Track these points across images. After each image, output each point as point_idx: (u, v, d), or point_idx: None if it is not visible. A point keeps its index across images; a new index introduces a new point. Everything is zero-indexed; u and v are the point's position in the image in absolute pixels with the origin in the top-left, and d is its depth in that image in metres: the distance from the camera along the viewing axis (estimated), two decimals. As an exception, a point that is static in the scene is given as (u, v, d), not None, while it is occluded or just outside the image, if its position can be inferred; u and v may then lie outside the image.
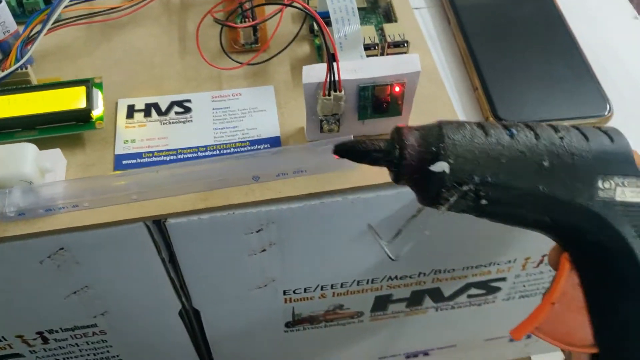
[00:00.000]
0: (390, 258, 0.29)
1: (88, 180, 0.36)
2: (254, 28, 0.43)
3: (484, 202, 0.26)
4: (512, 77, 0.43)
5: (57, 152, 0.38)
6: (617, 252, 0.27)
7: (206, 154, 0.39)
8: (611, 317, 0.27)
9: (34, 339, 0.48)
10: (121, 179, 0.36)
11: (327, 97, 0.35)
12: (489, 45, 0.45)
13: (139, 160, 0.39)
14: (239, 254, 0.41)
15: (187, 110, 0.41)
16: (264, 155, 0.38)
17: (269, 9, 0.43)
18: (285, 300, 0.49)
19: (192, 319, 0.50)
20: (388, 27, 0.43)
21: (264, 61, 0.43)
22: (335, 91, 0.35)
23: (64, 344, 0.49)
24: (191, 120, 0.41)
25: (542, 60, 0.44)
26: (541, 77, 0.43)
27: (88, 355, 0.52)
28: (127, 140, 0.40)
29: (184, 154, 0.39)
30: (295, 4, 0.37)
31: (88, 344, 0.50)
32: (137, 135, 0.40)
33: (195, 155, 0.39)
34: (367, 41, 0.42)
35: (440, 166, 0.26)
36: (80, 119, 0.39)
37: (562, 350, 0.30)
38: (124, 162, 0.39)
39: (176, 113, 0.41)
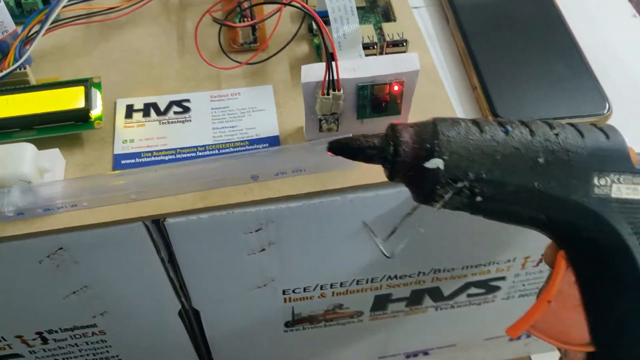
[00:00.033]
0: (385, 255, 0.29)
1: (87, 179, 0.36)
2: (253, 27, 0.43)
3: (478, 199, 0.26)
4: (511, 76, 0.43)
5: (55, 152, 0.38)
6: (613, 249, 0.26)
7: (205, 153, 0.39)
8: (607, 315, 0.27)
9: (34, 339, 0.48)
10: (120, 178, 0.36)
11: (326, 96, 0.35)
12: (487, 44, 0.45)
13: (137, 160, 0.39)
14: (238, 253, 0.41)
15: (186, 110, 0.41)
16: (262, 154, 0.38)
17: (268, 9, 0.43)
18: (285, 300, 0.49)
19: (191, 319, 0.50)
20: (387, 27, 0.43)
21: (262, 61, 0.43)
22: (334, 90, 0.35)
23: (64, 344, 0.49)
24: (190, 120, 0.41)
25: (541, 59, 0.44)
26: (540, 76, 0.43)
27: (87, 355, 0.52)
28: (125, 140, 0.40)
29: (183, 153, 0.39)
30: (294, 3, 0.37)
31: (87, 344, 0.50)
32: (135, 135, 0.40)
33: (194, 154, 0.39)
34: (366, 40, 0.42)
35: (435, 163, 0.26)
36: (79, 118, 0.39)
37: (558, 349, 0.30)
38: (123, 161, 0.39)
39: (175, 113, 0.41)
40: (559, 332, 0.28)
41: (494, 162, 0.26)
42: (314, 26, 0.43)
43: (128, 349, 0.53)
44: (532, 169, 0.26)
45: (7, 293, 0.42)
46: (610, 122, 0.41)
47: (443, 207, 0.26)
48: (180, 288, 0.45)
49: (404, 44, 0.43)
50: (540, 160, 0.26)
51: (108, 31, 0.45)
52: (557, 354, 0.31)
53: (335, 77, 0.35)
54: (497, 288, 0.54)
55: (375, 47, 0.42)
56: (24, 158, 0.35)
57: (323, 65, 0.35)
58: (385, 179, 0.28)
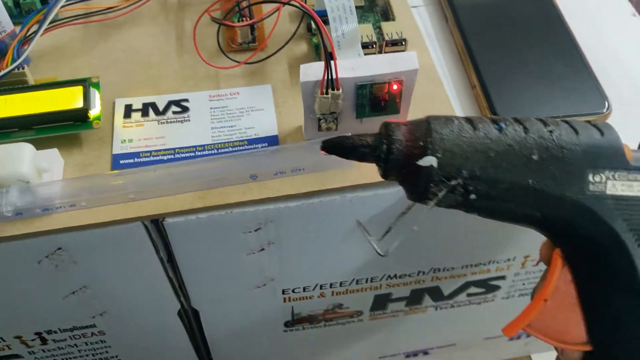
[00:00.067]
0: (378, 254, 0.29)
1: (85, 179, 0.36)
2: (252, 27, 0.43)
3: (472, 196, 0.26)
4: (510, 75, 0.43)
5: (54, 152, 0.38)
6: (609, 246, 0.26)
7: (204, 153, 0.39)
8: (604, 313, 0.27)
9: (33, 340, 0.48)
10: (118, 178, 0.36)
11: (324, 95, 0.35)
12: (487, 43, 0.44)
13: (136, 159, 0.39)
14: (237, 253, 0.41)
15: (185, 109, 0.41)
16: (261, 154, 0.37)
17: (267, 8, 0.43)
18: (284, 300, 0.49)
19: (191, 319, 0.50)
20: (386, 26, 0.43)
21: (261, 60, 0.43)
22: (333, 89, 0.35)
23: (63, 345, 0.49)
24: (189, 120, 0.41)
25: (540, 57, 0.44)
26: (539, 74, 0.43)
27: (87, 355, 0.52)
28: (124, 140, 0.40)
29: (182, 153, 0.39)
30: (292, 2, 0.37)
31: (87, 344, 0.50)
32: (134, 134, 0.40)
33: (192, 154, 0.39)
34: (365, 40, 0.42)
35: (428, 160, 0.26)
36: (78, 118, 0.39)
37: (555, 348, 0.29)
38: (122, 161, 0.38)
39: (174, 112, 0.41)
40: (555, 331, 0.28)
41: (487, 159, 0.26)
42: (313, 25, 0.43)
43: (127, 349, 0.52)
44: (526, 166, 0.26)
45: (6, 293, 0.42)
46: (609, 120, 0.41)
47: (437, 205, 0.26)
48: (179, 288, 0.45)
49: (403, 43, 0.43)
50: (534, 157, 0.26)
51: (106, 31, 0.45)
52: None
53: (334, 76, 0.35)
54: (497, 287, 0.54)
55: (374, 46, 0.42)
56: (22, 158, 0.35)
57: (322, 64, 0.34)
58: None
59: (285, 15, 0.46)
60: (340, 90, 0.35)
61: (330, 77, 0.35)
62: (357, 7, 0.37)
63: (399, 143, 0.26)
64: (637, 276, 0.26)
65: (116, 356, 0.53)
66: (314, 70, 0.35)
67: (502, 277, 0.53)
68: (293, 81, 0.42)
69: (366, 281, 0.48)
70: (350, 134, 0.28)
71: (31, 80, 0.41)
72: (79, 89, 0.39)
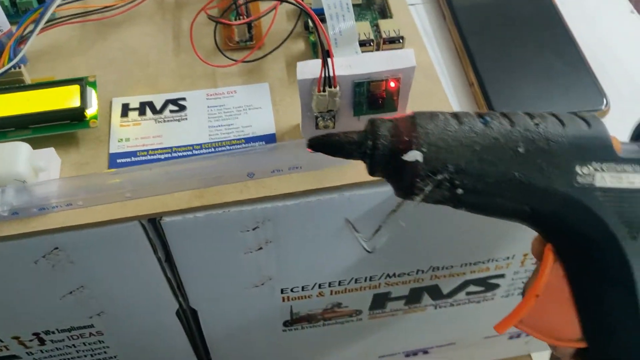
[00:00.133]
0: (366, 250, 0.29)
1: (82, 178, 0.36)
2: (249, 25, 0.43)
3: (459, 191, 0.26)
4: (508, 73, 0.43)
5: (50, 151, 0.37)
6: (600, 239, 0.26)
7: (201, 152, 0.39)
8: (597, 309, 0.27)
9: (31, 340, 0.47)
10: (115, 176, 0.36)
11: (322, 93, 0.35)
12: (484, 40, 0.44)
13: (133, 158, 0.39)
14: (235, 252, 0.41)
15: (182, 108, 0.41)
16: (258, 152, 0.37)
17: (264, 6, 0.43)
18: (283, 299, 0.48)
19: (189, 318, 0.50)
20: (383, 23, 0.43)
21: (258, 58, 0.43)
22: (330, 87, 0.35)
23: (61, 345, 0.49)
24: (186, 119, 0.41)
25: (538, 55, 0.44)
26: (538, 72, 0.43)
27: (85, 356, 0.52)
28: (121, 139, 0.39)
29: (179, 152, 0.39)
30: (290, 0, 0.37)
31: (85, 344, 0.50)
32: (131, 133, 0.40)
33: (190, 153, 0.39)
34: (362, 37, 0.41)
35: (413, 155, 0.25)
36: (74, 117, 0.38)
37: (548, 345, 0.29)
38: (119, 160, 0.38)
39: (171, 111, 0.41)
40: (549, 328, 0.28)
41: (473, 152, 0.26)
42: (310, 23, 0.43)
43: (126, 350, 0.52)
44: (512, 159, 0.26)
45: (3, 294, 0.41)
46: (607, 117, 0.41)
47: (424, 201, 0.26)
48: (177, 287, 0.45)
49: (401, 40, 0.42)
50: (521, 149, 0.26)
51: (104, 30, 0.45)
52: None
53: (331, 74, 0.35)
54: (496, 286, 0.54)
55: (372, 44, 0.42)
56: (18, 157, 0.35)
57: (319, 62, 0.34)
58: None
59: (282, 14, 0.45)
60: (338, 88, 0.35)
61: (327, 74, 0.35)
62: (354, 5, 0.37)
63: (384, 139, 0.26)
64: (630, 269, 0.26)
65: (115, 356, 0.53)
66: (311, 68, 0.35)
67: (502, 276, 0.53)
68: (290, 79, 0.42)
69: (365, 280, 0.48)
70: (336, 132, 0.28)
71: (28, 80, 0.41)
72: (75, 88, 0.39)
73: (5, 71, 0.39)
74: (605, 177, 0.26)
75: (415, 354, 0.66)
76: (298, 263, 0.44)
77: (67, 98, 0.39)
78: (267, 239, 0.40)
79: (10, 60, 0.39)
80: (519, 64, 0.43)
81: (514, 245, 0.49)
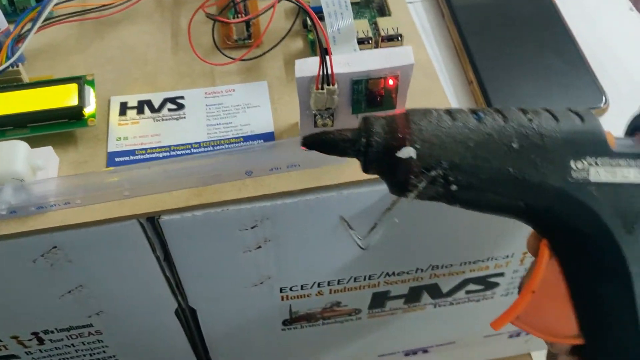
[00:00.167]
0: (360, 247, 0.29)
1: (80, 177, 0.36)
2: (247, 23, 0.43)
3: (454, 187, 0.26)
4: (507, 71, 0.42)
5: (48, 149, 0.37)
6: (595, 234, 0.26)
7: (199, 150, 0.39)
8: (594, 305, 0.27)
9: (30, 340, 0.47)
10: (113, 175, 0.36)
11: (320, 90, 0.35)
12: (483, 38, 0.44)
13: (131, 157, 0.38)
14: (233, 251, 0.41)
15: (180, 106, 0.41)
16: (256, 149, 0.37)
17: (262, 4, 0.43)
18: (282, 298, 0.48)
19: (188, 318, 0.49)
20: (382, 21, 0.43)
21: (257, 57, 0.43)
22: (328, 85, 0.35)
23: (60, 345, 0.49)
24: (184, 117, 0.41)
25: (537, 53, 0.44)
26: (536, 70, 0.43)
27: (84, 355, 0.52)
28: (119, 138, 0.39)
29: (177, 150, 0.39)
30: (287, -3, 0.37)
31: (84, 344, 0.50)
32: (129, 132, 0.40)
33: (188, 151, 0.39)
34: (361, 35, 0.41)
35: (407, 152, 0.25)
36: (72, 116, 0.38)
37: (545, 341, 0.29)
38: (117, 159, 0.38)
39: (169, 110, 0.41)
40: (545, 324, 0.28)
41: (466, 149, 0.26)
42: (309, 22, 0.43)
43: (125, 349, 0.52)
44: (506, 154, 0.26)
45: (1, 293, 0.41)
46: (607, 114, 0.41)
47: (419, 197, 0.26)
48: (176, 286, 0.45)
49: (399, 38, 0.42)
50: (514, 145, 0.26)
51: (102, 28, 0.45)
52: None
53: (330, 72, 0.34)
54: (496, 284, 0.54)
55: (370, 42, 0.42)
56: (16, 156, 0.35)
57: (317, 59, 0.34)
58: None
59: (280, 12, 0.45)
60: (336, 86, 0.35)
61: (325, 72, 0.34)
62: (352, 3, 0.37)
63: (377, 136, 0.26)
64: (626, 264, 0.26)
65: (114, 356, 0.53)
66: (309, 66, 0.35)
67: (501, 274, 0.52)
68: (289, 78, 0.42)
69: (364, 279, 0.48)
70: (330, 130, 0.28)
71: (26, 79, 0.40)
72: (73, 87, 0.39)
73: (3, 70, 0.39)
74: (600, 172, 0.26)
75: (414, 353, 0.66)
76: (297, 262, 0.44)
77: (65, 97, 0.39)
78: (265, 237, 0.40)
79: (7, 58, 0.39)
80: (518, 61, 0.43)
81: (514, 244, 0.48)
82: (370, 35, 0.42)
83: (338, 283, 0.48)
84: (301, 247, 0.42)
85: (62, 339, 0.48)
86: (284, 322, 0.53)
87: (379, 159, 0.26)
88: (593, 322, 0.27)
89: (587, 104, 0.41)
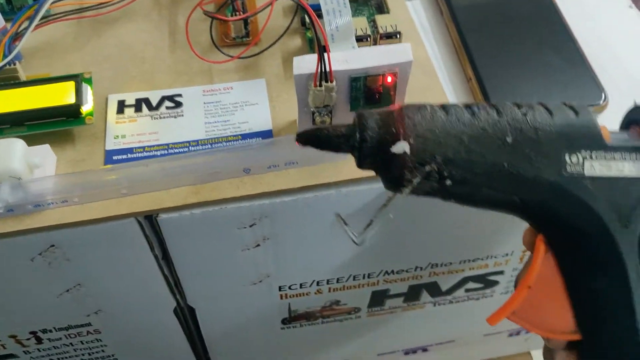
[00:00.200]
0: (355, 243, 0.29)
1: (77, 174, 0.36)
2: (245, 21, 0.43)
3: (448, 182, 0.26)
4: (506, 68, 0.42)
5: (46, 148, 0.37)
6: (591, 229, 0.26)
7: (197, 148, 0.39)
8: (590, 300, 0.27)
9: (28, 339, 0.47)
10: (110, 173, 0.36)
11: (318, 88, 0.35)
12: (482, 35, 0.44)
13: (129, 155, 0.38)
14: (232, 249, 0.41)
15: (178, 104, 0.41)
16: (254, 147, 0.37)
17: (260, 2, 0.43)
18: (281, 296, 0.48)
19: (187, 316, 0.49)
20: (380, 19, 0.43)
21: (255, 54, 0.43)
22: (326, 82, 0.35)
23: (58, 344, 0.49)
24: (182, 115, 0.40)
25: (536, 50, 0.43)
26: (535, 67, 0.42)
27: (83, 355, 0.51)
28: (117, 136, 0.39)
29: (175, 148, 0.39)
30: (285, -5, 0.36)
31: (82, 343, 0.49)
32: (127, 130, 0.40)
33: (186, 149, 0.39)
34: (359, 33, 0.41)
35: (401, 147, 0.25)
36: (70, 114, 0.38)
37: (542, 337, 0.29)
38: (115, 157, 0.38)
39: (167, 108, 0.41)
40: (541, 320, 0.28)
41: (460, 143, 0.26)
42: (307, 19, 0.43)
43: (124, 348, 0.52)
44: (500, 148, 0.26)
45: (0, 292, 0.41)
46: (606, 111, 0.41)
47: (413, 193, 0.26)
48: (174, 285, 0.45)
49: (398, 36, 0.42)
50: (509, 139, 0.26)
51: (99, 27, 0.45)
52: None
53: (328, 69, 0.34)
54: (496, 283, 0.54)
55: (369, 39, 0.42)
56: (13, 154, 0.35)
57: (315, 56, 0.34)
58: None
59: (279, 9, 0.45)
60: (334, 83, 0.35)
61: (323, 69, 0.34)
62: (351, 1, 0.37)
63: (371, 131, 0.26)
64: (622, 258, 0.26)
65: (112, 355, 0.53)
66: (307, 63, 0.35)
67: (501, 272, 0.52)
68: (287, 75, 0.42)
69: (363, 277, 0.48)
70: (325, 126, 0.27)
71: (23, 77, 0.40)
72: (71, 85, 0.39)
73: (0, 68, 0.38)
74: (595, 166, 0.26)
75: (414, 351, 0.66)
76: (296, 260, 0.44)
77: (62, 95, 0.38)
78: (264, 235, 0.40)
79: (5, 57, 0.39)
80: (516, 59, 0.43)
81: (513, 242, 0.48)
82: (369, 32, 0.42)
83: (337, 281, 0.48)
84: (300, 245, 0.42)
85: (60, 338, 0.48)
86: (283, 321, 0.53)
87: (373, 154, 0.26)
88: (590, 317, 0.27)
89: (586, 101, 0.40)
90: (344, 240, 0.42)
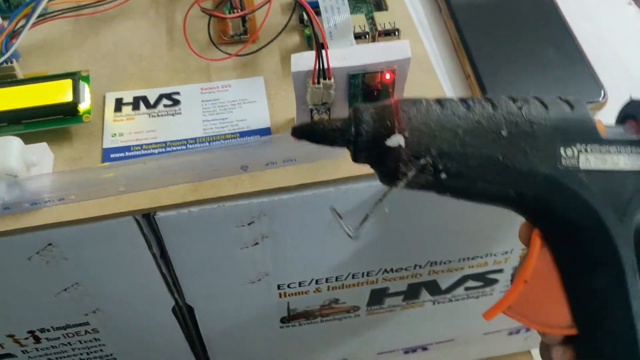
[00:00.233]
0: (350, 237, 0.29)
1: (74, 172, 0.36)
2: (243, 19, 0.43)
3: (443, 175, 0.26)
4: (505, 65, 0.42)
5: (43, 146, 0.37)
6: (586, 222, 0.26)
7: (195, 146, 0.38)
8: (587, 294, 0.27)
9: (26, 339, 0.47)
10: (108, 170, 0.35)
11: (316, 85, 0.35)
12: (481, 32, 0.44)
13: (127, 153, 0.38)
14: (230, 247, 0.41)
15: (176, 102, 0.41)
16: (252, 144, 0.37)
17: (258, -1, 0.42)
18: (280, 295, 0.48)
19: (185, 315, 0.49)
20: (378, 16, 0.43)
21: (253, 52, 0.43)
22: (324, 79, 0.35)
23: (56, 343, 0.49)
24: (180, 113, 0.40)
25: (535, 47, 0.43)
26: (534, 64, 0.42)
27: (81, 354, 0.51)
28: (115, 134, 0.39)
29: (173, 146, 0.39)
30: (283, -8, 0.36)
31: (81, 342, 0.49)
32: (125, 128, 0.39)
33: (184, 147, 0.38)
34: (358, 30, 0.41)
35: (396, 140, 0.25)
36: (67, 112, 0.38)
37: (538, 332, 0.29)
38: (112, 155, 0.38)
39: (165, 106, 0.41)
40: (537, 315, 0.27)
41: (455, 136, 0.26)
42: (305, 17, 0.43)
43: (122, 348, 0.52)
44: (495, 142, 0.26)
45: (-3, 291, 0.41)
46: (605, 108, 0.40)
47: (408, 186, 0.26)
48: (173, 284, 0.44)
49: (396, 33, 0.42)
50: (504, 133, 0.26)
51: (96, 24, 0.45)
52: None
53: (326, 66, 0.34)
54: (495, 281, 0.54)
55: (367, 36, 0.41)
56: (10, 152, 0.34)
57: (313, 53, 0.34)
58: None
59: (277, 7, 0.45)
60: (332, 80, 0.35)
61: (321, 66, 0.34)
62: (349, -3, 0.37)
63: (367, 124, 0.26)
64: (617, 252, 0.26)
65: (111, 354, 0.52)
66: (305, 60, 0.35)
67: (500, 271, 0.52)
68: (285, 73, 0.42)
69: (362, 275, 0.48)
70: (320, 120, 0.27)
71: (20, 75, 0.40)
72: (68, 83, 0.39)
73: (-3, 66, 0.38)
74: (590, 159, 0.26)
75: (414, 350, 0.66)
76: (294, 258, 0.44)
77: (59, 93, 0.38)
78: (263, 234, 0.40)
79: (1, 55, 0.39)
80: (515, 56, 0.43)
81: (512, 240, 0.48)
82: (367, 30, 0.41)
83: (336, 280, 0.48)
84: (299, 243, 0.42)
85: (58, 338, 0.48)
86: (282, 320, 0.53)
87: (369, 147, 0.26)
88: (586, 311, 0.27)
89: (585, 98, 0.40)
90: (343, 238, 0.42)
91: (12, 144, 0.35)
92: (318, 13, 0.36)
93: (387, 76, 0.35)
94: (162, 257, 0.41)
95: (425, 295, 0.53)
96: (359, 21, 0.42)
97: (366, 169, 0.37)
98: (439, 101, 0.27)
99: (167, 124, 0.40)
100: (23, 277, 0.40)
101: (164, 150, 0.38)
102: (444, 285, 0.52)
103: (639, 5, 0.49)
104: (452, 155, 0.26)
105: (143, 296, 0.45)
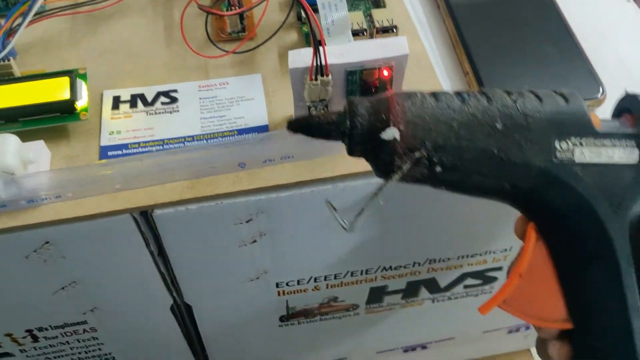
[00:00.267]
0: (344, 229, 0.29)
1: (71, 170, 0.36)
2: (241, 16, 0.42)
3: (438, 169, 0.26)
4: (503, 62, 0.42)
5: (40, 143, 0.37)
6: (580, 215, 0.26)
7: (193, 143, 0.38)
8: (582, 288, 0.27)
9: (24, 338, 0.47)
10: (105, 168, 0.35)
11: (314, 82, 0.35)
12: (479, 29, 0.44)
13: (124, 151, 0.38)
14: (229, 245, 0.41)
15: (174, 100, 0.41)
16: (249, 141, 0.37)
17: (256, -4, 0.42)
18: (279, 293, 0.48)
19: (184, 314, 0.49)
20: (376, 13, 0.43)
21: (251, 49, 0.43)
22: (322, 76, 0.35)
23: (55, 342, 0.48)
24: (178, 110, 0.40)
25: (533, 44, 0.43)
26: (533, 61, 0.42)
27: (79, 353, 0.51)
28: (112, 132, 0.39)
29: (171, 144, 0.39)
30: (280, -12, 0.36)
31: (79, 341, 0.49)
32: (122, 126, 0.39)
33: (182, 145, 0.38)
34: (356, 27, 0.41)
35: (391, 133, 0.25)
36: (64, 110, 0.38)
37: (534, 327, 0.29)
38: (110, 153, 0.38)
39: (162, 103, 0.40)
40: (533, 309, 0.27)
41: (450, 129, 0.26)
42: (303, 14, 0.43)
43: (120, 346, 0.52)
44: (490, 135, 0.26)
45: (-5, 289, 0.41)
46: (604, 105, 0.40)
47: (403, 180, 0.26)
48: (171, 282, 0.44)
49: (394, 30, 0.42)
50: (498, 126, 0.26)
51: (94, 22, 0.45)
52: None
53: (323, 63, 0.34)
54: (494, 279, 0.54)
55: (365, 33, 0.41)
56: (7, 149, 0.34)
57: (310, 50, 0.34)
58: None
59: (274, 4, 0.45)
60: (330, 77, 0.35)
61: (319, 63, 0.34)
62: (347, -6, 0.37)
63: (362, 117, 0.26)
64: (612, 245, 0.26)
65: (109, 353, 0.52)
66: (302, 57, 0.34)
67: (499, 268, 0.52)
68: (283, 70, 0.42)
69: (361, 273, 0.48)
70: (316, 113, 0.27)
71: (17, 73, 0.40)
72: (65, 80, 0.38)
73: (-6, 64, 0.38)
74: (585, 152, 0.26)
75: (413, 349, 0.66)
76: (293, 256, 0.44)
77: (57, 90, 0.38)
78: (261, 231, 0.40)
79: (-2, 52, 0.39)
80: (514, 53, 0.43)
81: (511, 237, 0.47)
82: (365, 27, 0.41)
83: (335, 278, 0.48)
84: (297, 241, 0.42)
85: (56, 336, 0.48)
86: (281, 318, 0.52)
87: (364, 140, 0.26)
88: (581, 305, 0.27)
89: (584, 95, 0.39)
90: (341, 235, 0.42)
91: (9, 141, 0.34)
92: (316, 10, 0.36)
93: (385, 73, 0.35)
94: (160, 255, 0.41)
95: (424, 293, 0.53)
96: (357, 18, 0.42)
97: (364, 166, 0.37)
98: (434, 94, 0.27)
99: (165, 122, 0.40)
100: (20, 275, 0.39)
101: (161, 147, 0.38)
102: (443, 283, 0.52)
103: (637, 3, 0.49)
104: (447, 148, 0.26)
105: (141, 295, 0.45)
